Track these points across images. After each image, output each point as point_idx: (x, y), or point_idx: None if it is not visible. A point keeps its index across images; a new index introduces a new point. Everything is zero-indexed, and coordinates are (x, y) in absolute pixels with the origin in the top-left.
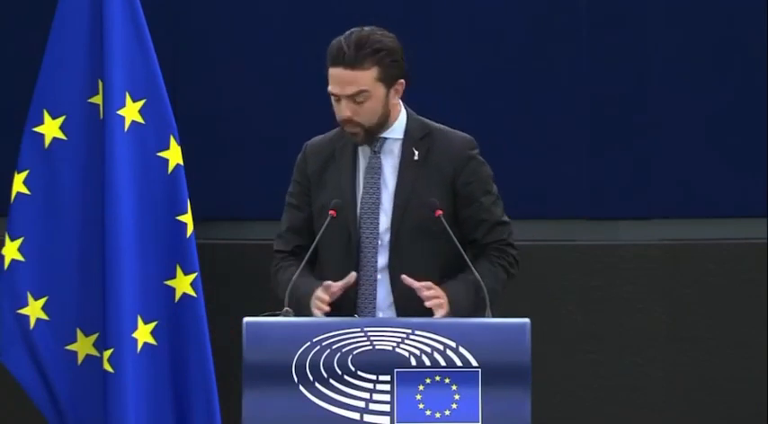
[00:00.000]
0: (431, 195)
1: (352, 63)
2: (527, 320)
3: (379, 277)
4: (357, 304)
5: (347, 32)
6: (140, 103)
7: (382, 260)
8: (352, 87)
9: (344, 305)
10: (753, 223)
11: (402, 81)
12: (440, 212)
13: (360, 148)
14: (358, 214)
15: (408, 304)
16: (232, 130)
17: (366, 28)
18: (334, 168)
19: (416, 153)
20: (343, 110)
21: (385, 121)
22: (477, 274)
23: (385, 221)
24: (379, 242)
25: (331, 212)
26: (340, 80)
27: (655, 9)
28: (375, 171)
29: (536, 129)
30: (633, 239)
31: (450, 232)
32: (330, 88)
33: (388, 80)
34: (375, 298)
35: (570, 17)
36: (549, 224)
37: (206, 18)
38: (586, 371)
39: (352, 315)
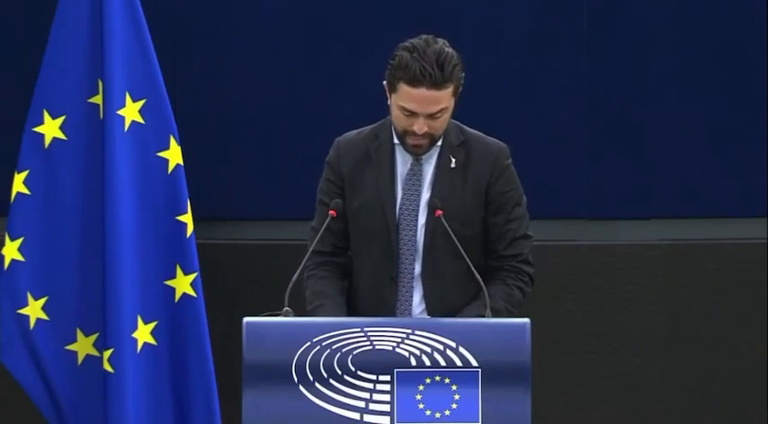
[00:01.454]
0: (465, 203)
1: (439, 83)
2: (527, 320)
3: (414, 280)
4: (396, 306)
5: (411, 46)
6: (140, 103)
7: (417, 265)
8: (436, 106)
9: (383, 309)
10: (753, 223)
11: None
12: (439, 212)
13: (398, 152)
14: (397, 218)
15: (438, 310)
16: (232, 130)
17: (428, 39)
18: (371, 170)
19: (453, 160)
20: (420, 127)
21: None
22: (481, 280)
23: (421, 227)
24: (416, 247)
25: (331, 212)
26: (423, 100)
27: (655, 9)
28: (417, 177)
29: (536, 130)
30: (633, 239)
31: (452, 233)
32: (408, 105)
33: (457, 92)
34: (412, 303)
35: (570, 17)
36: (549, 224)
37: (206, 18)
38: (586, 371)
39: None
